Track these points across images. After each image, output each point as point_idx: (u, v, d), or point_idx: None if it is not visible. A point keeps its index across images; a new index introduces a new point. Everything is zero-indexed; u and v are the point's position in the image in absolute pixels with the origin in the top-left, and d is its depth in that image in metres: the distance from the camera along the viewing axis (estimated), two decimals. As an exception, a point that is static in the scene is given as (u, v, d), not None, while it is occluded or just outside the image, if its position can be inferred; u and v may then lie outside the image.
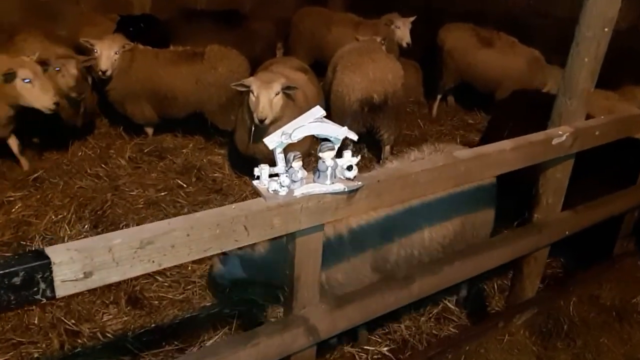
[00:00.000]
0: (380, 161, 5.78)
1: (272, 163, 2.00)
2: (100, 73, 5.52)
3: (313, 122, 1.97)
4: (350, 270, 3.03)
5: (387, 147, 5.84)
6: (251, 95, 4.49)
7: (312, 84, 5.50)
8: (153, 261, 1.74)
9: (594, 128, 3.06)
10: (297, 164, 1.98)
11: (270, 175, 2.02)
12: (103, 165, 5.59)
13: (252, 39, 7.24)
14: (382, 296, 2.55)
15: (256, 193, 2.01)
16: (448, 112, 7.75)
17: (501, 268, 3.39)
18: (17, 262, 1.52)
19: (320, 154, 2.03)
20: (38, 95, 4.80)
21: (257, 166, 2.01)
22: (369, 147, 6.26)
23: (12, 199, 4.89)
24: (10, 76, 4.71)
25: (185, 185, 5.30)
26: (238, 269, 3.50)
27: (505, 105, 5.51)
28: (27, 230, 4.46)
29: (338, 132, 2.03)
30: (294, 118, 2.01)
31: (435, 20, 7.71)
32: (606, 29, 2.89)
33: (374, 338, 3.62)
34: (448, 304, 3.93)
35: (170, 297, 3.91)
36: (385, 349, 3.53)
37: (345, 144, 2.15)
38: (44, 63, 5.06)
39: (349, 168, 2.08)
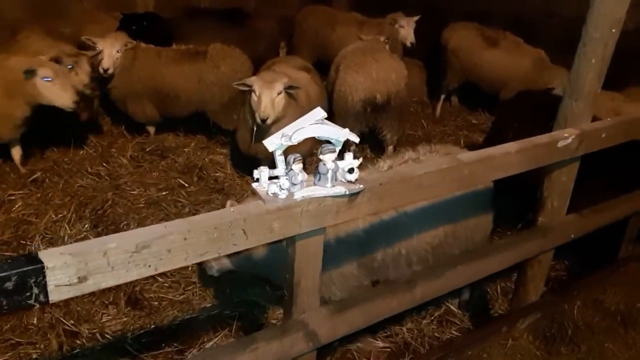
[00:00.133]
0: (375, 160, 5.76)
1: (274, 163, 1.96)
2: (102, 71, 5.49)
3: (314, 124, 1.93)
4: (335, 267, 3.00)
5: (390, 148, 5.80)
6: (253, 94, 4.46)
7: (315, 83, 5.46)
8: (149, 265, 1.70)
9: (600, 130, 3.01)
10: (297, 167, 1.94)
11: (270, 178, 1.98)
12: (104, 164, 5.56)
13: (256, 38, 7.20)
14: (384, 301, 2.51)
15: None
16: (452, 112, 7.70)
17: (505, 270, 3.34)
18: (9, 267, 1.48)
19: (321, 157, 1.99)
20: (58, 93, 4.83)
21: (258, 168, 1.98)
22: (372, 148, 6.21)
23: (12, 197, 4.87)
24: (30, 74, 4.72)
25: (186, 185, 5.28)
26: (226, 260, 3.45)
27: (510, 105, 5.46)
28: (27, 229, 4.44)
29: (339, 134, 1.99)
30: (297, 118, 1.98)
31: (440, 20, 7.66)
32: (614, 30, 2.85)
33: (376, 340, 3.58)
34: (451, 306, 3.90)
35: (170, 297, 3.88)
36: (387, 351, 3.49)
37: (347, 144, 2.11)
38: (56, 61, 5.06)
39: (351, 171, 2.03)
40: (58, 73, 4.85)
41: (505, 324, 3.37)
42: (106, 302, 3.78)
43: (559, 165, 3.03)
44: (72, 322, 3.57)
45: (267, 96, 4.39)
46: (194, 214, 4.42)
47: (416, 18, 7.13)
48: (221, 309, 3.80)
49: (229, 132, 5.94)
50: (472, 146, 6.33)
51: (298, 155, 1.94)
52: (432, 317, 3.81)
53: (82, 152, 5.78)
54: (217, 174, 5.55)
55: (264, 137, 2.03)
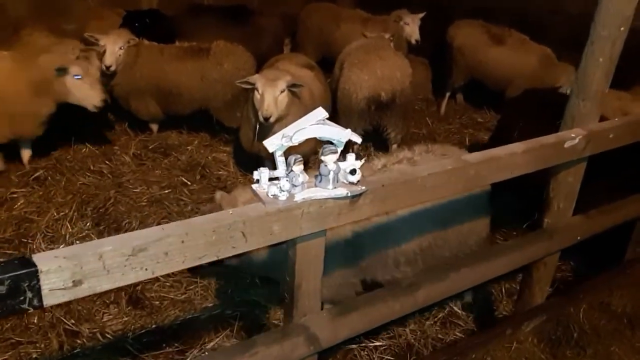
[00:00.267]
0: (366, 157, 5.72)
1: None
2: (104, 68, 5.46)
3: (315, 124, 1.89)
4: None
5: (395, 146, 5.75)
6: (256, 92, 4.42)
7: (318, 81, 5.42)
8: (146, 269, 1.66)
9: (608, 131, 2.95)
10: (298, 168, 1.90)
11: (271, 179, 1.94)
12: (107, 162, 5.55)
13: (259, 35, 7.16)
14: (386, 304, 2.47)
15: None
16: (457, 110, 7.64)
17: (510, 271, 3.29)
18: (2, 270, 1.45)
19: (322, 158, 1.94)
20: (87, 92, 4.91)
21: (259, 168, 1.94)
22: (376, 146, 6.17)
23: (15, 195, 4.86)
24: (62, 72, 4.76)
25: (189, 183, 5.25)
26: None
27: (516, 104, 5.41)
28: (28, 227, 4.43)
29: (341, 134, 1.95)
30: (300, 116, 1.94)
31: (445, 17, 7.60)
32: (622, 28, 2.79)
33: (378, 342, 3.55)
34: (454, 308, 3.85)
35: (172, 297, 3.86)
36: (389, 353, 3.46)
37: (350, 144, 2.06)
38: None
39: (353, 172, 1.99)
40: (87, 71, 4.94)
41: (510, 327, 3.33)
42: (107, 301, 3.76)
43: (565, 165, 2.98)
44: (72, 321, 3.55)
45: (270, 94, 4.35)
46: (197, 213, 4.41)
47: (421, 15, 7.07)
48: (223, 308, 3.78)
49: (232, 129, 5.90)
50: (477, 144, 6.28)
51: (299, 156, 1.90)
52: (436, 319, 3.76)
53: (84, 149, 5.76)
54: (220, 172, 5.52)
55: (267, 136, 1.99)
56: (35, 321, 3.53)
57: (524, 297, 3.52)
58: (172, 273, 4.01)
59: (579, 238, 3.32)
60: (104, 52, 5.44)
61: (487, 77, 7.02)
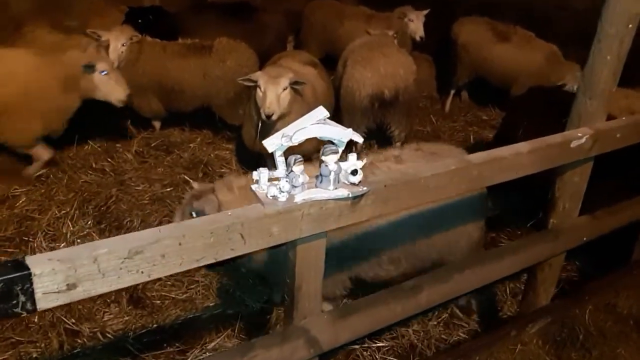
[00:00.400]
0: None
1: (279, 161, 1.88)
2: (107, 65, 5.43)
3: (315, 124, 1.85)
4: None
5: (398, 144, 5.70)
6: (258, 90, 4.38)
7: (321, 78, 5.38)
8: (142, 272, 1.63)
9: (615, 130, 2.90)
10: (298, 168, 1.86)
11: (270, 180, 1.90)
12: (109, 160, 5.52)
13: (262, 32, 7.12)
14: (388, 306, 2.43)
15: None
16: (462, 108, 7.57)
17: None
18: (-6, 273, 1.42)
19: (323, 158, 1.90)
20: (113, 87, 4.97)
21: (257, 169, 1.90)
22: (380, 145, 6.12)
23: (16, 193, 4.84)
24: (89, 68, 4.81)
25: (191, 181, 5.19)
26: None
27: (521, 101, 5.36)
28: (30, 225, 4.41)
29: (342, 134, 1.90)
30: (302, 114, 1.90)
31: (450, 13, 7.53)
32: (630, 26, 2.73)
33: (381, 343, 3.51)
34: (456, 309, 3.80)
35: (173, 296, 3.84)
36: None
37: (352, 143, 2.02)
38: None
39: (354, 172, 1.95)
40: (112, 67, 5.01)
41: (514, 328, 3.28)
42: (108, 300, 3.73)
43: (571, 165, 2.93)
44: (73, 320, 3.53)
45: (272, 92, 4.30)
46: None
47: (425, 12, 7.00)
48: (224, 308, 3.76)
49: (234, 127, 5.87)
50: (482, 142, 6.23)
51: (299, 156, 1.86)
52: (439, 319, 3.73)
53: (86, 147, 5.74)
54: (223, 170, 5.49)
55: (269, 133, 1.96)
56: (36, 320, 3.51)
57: (528, 298, 3.48)
58: (173, 272, 3.98)
59: (585, 239, 3.27)
60: (107, 48, 5.41)
61: (492, 74, 6.95)
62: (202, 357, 3.32)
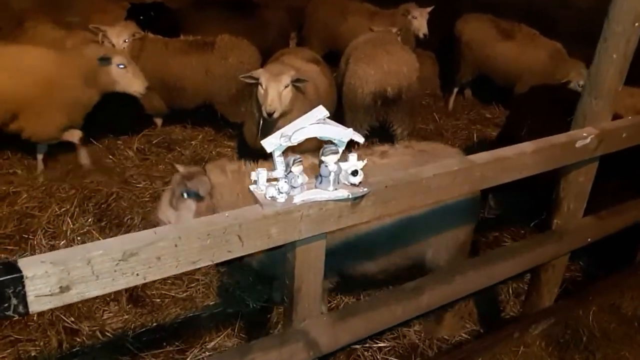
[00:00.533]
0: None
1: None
2: (108, 61, 5.41)
3: (315, 123, 1.81)
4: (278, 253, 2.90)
5: (401, 142, 5.66)
6: (260, 87, 4.34)
7: (324, 76, 5.33)
8: (137, 274, 1.60)
9: (621, 130, 2.85)
10: (297, 169, 1.83)
11: (269, 180, 1.87)
12: (110, 157, 5.50)
13: (265, 29, 7.08)
14: (389, 308, 2.40)
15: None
16: (465, 106, 7.52)
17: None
18: (-15, 276, 1.39)
19: (322, 158, 1.87)
20: (131, 80, 5.01)
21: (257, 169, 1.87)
22: (382, 142, 6.07)
23: (17, 190, 4.82)
24: (105, 61, 4.84)
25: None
26: None
27: (525, 100, 5.29)
28: (30, 222, 4.39)
29: (342, 134, 1.87)
30: (304, 111, 1.86)
31: (453, 11, 7.48)
32: (637, 24, 2.68)
33: (382, 343, 3.48)
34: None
35: (173, 295, 3.82)
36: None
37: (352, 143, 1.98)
38: None
39: (354, 173, 1.91)
40: (130, 60, 5.04)
41: (517, 330, 3.25)
42: (107, 299, 3.71)
43: (576, 165, 2.89)
44: (72, 319, 3.51)
45: (274, 89, 4.26)
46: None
47: (429, 9, 6.96)
48: (224, 307, 3.74)
49: (236, 124, 5.83)
50: (485, 141, 6.18)
51: (298, 156, 1.82)
52: (441, 319, 3.69)
53: (88, 144, 5.70)
54: (224, 168, 5.45)
55: (271, 131, 1.93)
56: (35, 318, 3.49)
57: (531, 299, 3.44)
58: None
59: (589, 239, 3.23)
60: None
61: (495, 72, 6.90)
62: (201, 356, 3.30)
